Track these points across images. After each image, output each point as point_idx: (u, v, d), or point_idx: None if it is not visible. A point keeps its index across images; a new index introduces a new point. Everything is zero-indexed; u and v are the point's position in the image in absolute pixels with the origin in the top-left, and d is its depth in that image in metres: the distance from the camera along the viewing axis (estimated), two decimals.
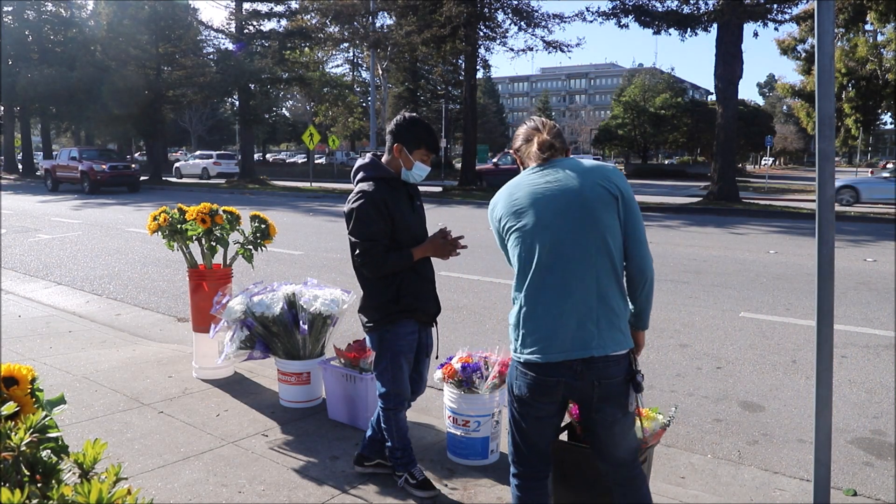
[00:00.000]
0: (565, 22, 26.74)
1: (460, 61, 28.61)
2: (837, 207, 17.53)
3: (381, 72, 28.45)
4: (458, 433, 3.30)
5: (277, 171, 45.85)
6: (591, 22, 25.61)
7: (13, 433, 1.04)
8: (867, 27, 29.69)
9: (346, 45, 35.85)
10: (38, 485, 1.03)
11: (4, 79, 30.45)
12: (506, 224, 2.10)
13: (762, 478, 3.34)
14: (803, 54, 35.04)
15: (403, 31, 24.89)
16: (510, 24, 24.95)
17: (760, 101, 79.68)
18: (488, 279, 8.06)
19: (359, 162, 2.93)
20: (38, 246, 11.16)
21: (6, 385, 1.20)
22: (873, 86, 34.12)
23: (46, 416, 1.11)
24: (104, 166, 24.79)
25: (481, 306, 6.82)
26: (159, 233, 4.49)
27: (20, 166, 40.06)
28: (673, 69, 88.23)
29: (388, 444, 3.00)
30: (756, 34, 47.87)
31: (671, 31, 20.57)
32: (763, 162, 66.64)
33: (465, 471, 3.25)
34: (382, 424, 2.99)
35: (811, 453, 2.40)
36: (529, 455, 2.19)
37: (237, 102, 34.84)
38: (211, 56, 34.38)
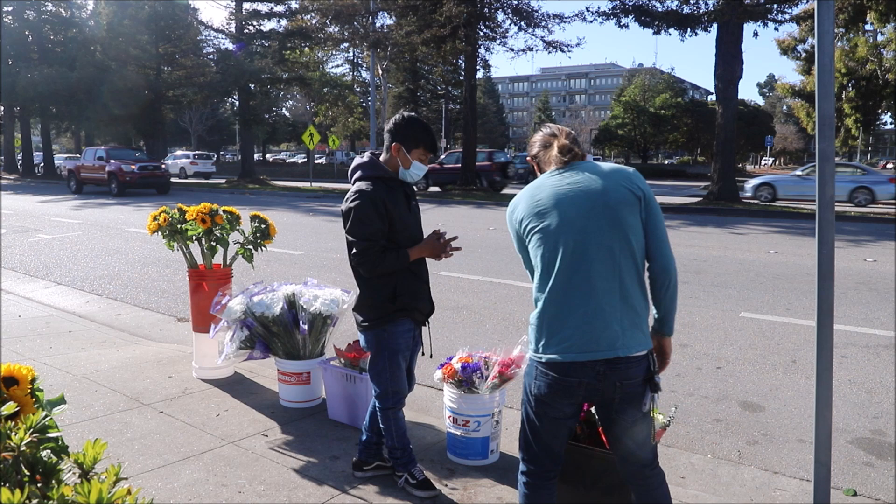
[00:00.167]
0: (565, 22, 26.70)
1: (460, 61, 28.54)
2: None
3: (381, 72, 28.45)
4: (458, 433, 3.30)
5: (277, 171, 45.91)
6: (591, 22, 25.61)
7: (13, 433, 1.04)
8: (867, 27, 29.69)
9: (346, 45, 35.81)
10: (38, 485, 1.03)
11: (4, 79, 30.41)
12: (528, 225, 2.09)
13: (762, 478, 3.34)
14: (803, 54, 35.04)
15: (403, 31, 24.88)
16: (510, 24, 24.93)
17: (760, 101, 79.70)
18: (488, 279, 8.06)
19: (357, 160, 2.93)
20: (38, 246, 11.16)
21: (6, 385, 1.20)
22: (873, 86, 34.13)
23: (46, 416, 1.11)
24: (133, 167, 23.53)
25: (481, 306, 6.82)
26: (159, 233, 4.49)
27: (20, 166, 40.09)
28: (673, 69, 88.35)
29: (388, 443, 3.01)
30: (756, 34, 48.00)
31: (671, 31, 20.56)
32: (763, 162, 66.68)
33: (466, 471, 3.25)
34: (381, 424, 2.99)
35: (811, 453, 2.40)
36: (541, 455, 2.20)
37: (237, 102, 34.90)
38: (211, 56, 34.42)
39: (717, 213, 17.46)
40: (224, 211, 4.47)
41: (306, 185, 29.17)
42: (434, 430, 3.73)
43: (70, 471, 1.07)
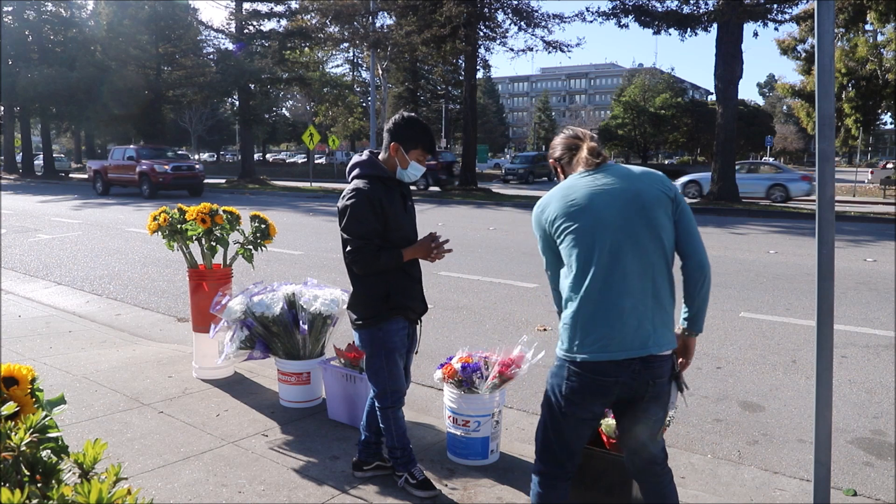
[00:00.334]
0: (565, 22, 26.72)
1: (460, 61, 28.56)
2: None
3: (381, 72, 28.44)
4: (458, 433, 3.30)
5: (277, 171, 45.93)
6: (591, 22, 25.65)
7: (13, 433, 1.04)
8: (867, 27, 29.65)
9: (346, 45, 35.82)
10: (38, 485, 1.03)
11: (4, 79, 30.42)
12: (561, 224, 2.09)
13: (762, 478, 3.34)
14: (803, 54, 35.00)
15: (403, 31, 24.89)
16: (510, 24, 24.96)
17: (760, 101, 79.74)
18: (488, 279, 8.06)
19: (355, 158, 2.95)
20: (38, 246, 11.16)
21: (6, 385, 1.20)
22: (873, 86, 34.08)
23: (46, 416, 1.11)
24: (167, 167, 22.09)
25: (481, 306, 6.82)
26: (159, 233, 4.49)
27: (20, 166, 40.10)
28: (673, 69, 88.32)
29: (387, 443, 3.01)
30: (756, 34, 47.99)
31: (671, 31, 20.59)
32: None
33: (466, 471, 3.25)
34: (381, 424, 2.99)
35: (811, 453, 2.40)
36: (561, 455, 2.20)
37: (237, 102, 34.91)
38: (211, 56, 34.43)
39: (716, 213, 17.47)
40: (224, 211, 4.47)
41: (306, 185, 29.18)
42: (434, 430, 3.72)
43: (70, 471, 1.07)
